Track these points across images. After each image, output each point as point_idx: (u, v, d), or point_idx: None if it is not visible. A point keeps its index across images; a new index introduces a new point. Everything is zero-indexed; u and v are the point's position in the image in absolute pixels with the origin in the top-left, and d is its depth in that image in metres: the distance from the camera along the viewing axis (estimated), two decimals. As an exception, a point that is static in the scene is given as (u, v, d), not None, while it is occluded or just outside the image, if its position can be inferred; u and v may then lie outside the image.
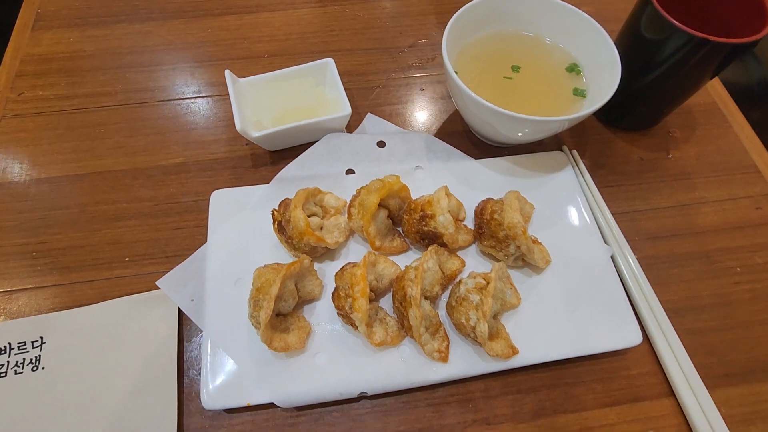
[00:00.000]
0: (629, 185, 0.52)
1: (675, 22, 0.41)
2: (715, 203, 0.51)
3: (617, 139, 0.55)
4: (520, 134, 0.47)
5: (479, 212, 0.44)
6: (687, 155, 0.54)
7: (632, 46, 0.47)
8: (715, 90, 0.59)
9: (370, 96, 0.57)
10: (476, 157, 0.50)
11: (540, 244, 0.44)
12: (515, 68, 0.51)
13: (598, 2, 0.65)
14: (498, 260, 0.43)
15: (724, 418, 0.39)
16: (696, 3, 0.46)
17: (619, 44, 0.47)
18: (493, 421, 0.39)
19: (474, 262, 0.45)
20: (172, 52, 0.60)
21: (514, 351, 0.39)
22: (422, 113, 0.56)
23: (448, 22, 0.46)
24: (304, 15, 0.64)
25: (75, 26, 0.62)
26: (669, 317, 0.43)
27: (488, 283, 0.38)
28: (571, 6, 0.49)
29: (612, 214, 0.49)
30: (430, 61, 0.60)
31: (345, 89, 0.50)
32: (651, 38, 0.45)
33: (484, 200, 0.45)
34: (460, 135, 0.54)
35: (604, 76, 0.47)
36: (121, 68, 0.58)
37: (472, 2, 0.49)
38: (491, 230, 0.42)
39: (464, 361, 0.39)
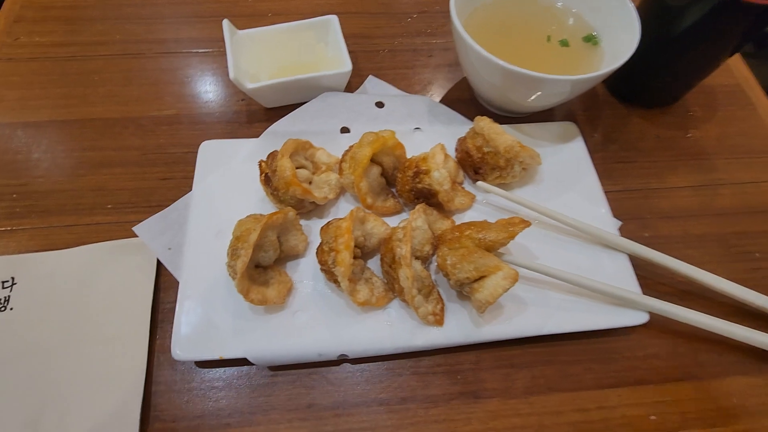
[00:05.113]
0: (643, 162, 0.49)
1: (703, -21, 0.38)
2: (736, 185, 0.47)
3: (632, 116, 0.52)
4: (530, 99, 0.44)
5: (465, 155, 0.43)
6: (707, 135, 0.51)
7: (653, 14, 0.44)
8: (740, 72, 0.55)
9: (374, 59, 0.55)
10: (481, 124, 0.48)
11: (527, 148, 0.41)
12: (526, 36, 0.48)
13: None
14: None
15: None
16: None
17: (639, 13, 0.44)
18: (482, 395, 0.36)
19: (471, 228, 0.42)
20: (173, 6, 0.58)
21: None
22: (428, 79, 0.54)
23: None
24: (312, -24, 0.62)
25: (78, -24, 0.60)
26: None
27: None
28: (590, -33, 0.47)
29: (623, 190, 0.46)
30: (440, 28, 0.58)
31: (348, 51, 0.48)
32: (675, 4, 0.42)
33: (458, 140, 0.44)
34: (467, 103, 0.52)
35: (622, 44, 0.43)
36: (120, 19, 0.57)
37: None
38: (491, 164, 0.41)
39: (457, 328, 0.37)
